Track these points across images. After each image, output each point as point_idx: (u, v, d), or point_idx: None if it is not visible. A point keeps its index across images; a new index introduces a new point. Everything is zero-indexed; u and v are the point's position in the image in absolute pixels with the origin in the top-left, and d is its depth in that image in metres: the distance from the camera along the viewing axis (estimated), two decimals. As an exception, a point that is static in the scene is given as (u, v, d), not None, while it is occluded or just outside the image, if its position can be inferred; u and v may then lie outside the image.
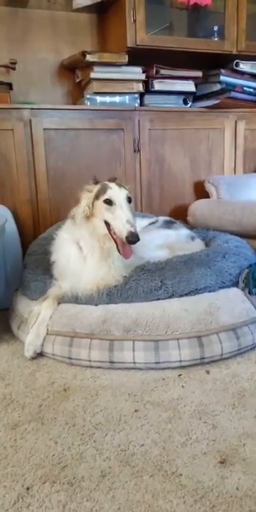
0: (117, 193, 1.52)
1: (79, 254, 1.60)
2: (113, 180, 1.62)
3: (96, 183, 1.59)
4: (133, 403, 1.22)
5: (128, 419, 1.14)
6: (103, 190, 1.53)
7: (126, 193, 1.53)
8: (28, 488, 0.92)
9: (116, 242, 1.50)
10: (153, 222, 2.01)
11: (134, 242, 1.44)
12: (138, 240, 1.44)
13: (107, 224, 1.51)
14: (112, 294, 1.54)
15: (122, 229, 1.44)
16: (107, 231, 1.52)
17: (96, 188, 1.56)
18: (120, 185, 1.56)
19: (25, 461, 1.00)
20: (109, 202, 1.50)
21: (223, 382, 1.31)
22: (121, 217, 1.46)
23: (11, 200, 2.14)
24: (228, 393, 1.25)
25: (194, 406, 1.19)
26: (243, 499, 0.86)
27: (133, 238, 1.43)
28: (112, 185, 1.54)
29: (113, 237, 1.50)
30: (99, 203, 1.52)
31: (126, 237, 1.43)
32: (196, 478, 0.92)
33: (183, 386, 1.30)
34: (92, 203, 1.54)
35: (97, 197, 1.53)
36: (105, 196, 1.50)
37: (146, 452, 1.01)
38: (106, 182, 1.57)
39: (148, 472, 0.95)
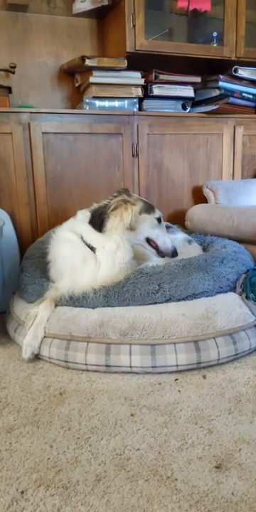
0: (161, 212, 1.70)
1: (81, 251, 1.59)
2: (127, 191, 1.69)
3: (119, 192, 1.63)
4: (129, 407, 1.22)
5: (124, 424, 1.14)
6: (150, 207, 1.67)
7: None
8: (22, 492, 0.91)
9: (155, 249, 1.68)
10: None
11: (176, 256, 1.69)
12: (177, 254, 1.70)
13: (147, 240, 1.67)
14: (109, 296, 1.54)
15: (169, 246, 1.66)
16: (142, 246, 1.69)
17: (139, 202, 1.64)
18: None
19: (20, 465, 1.00)
20: (159, 220, 1.67)
21: (220, 387, 1.31)
22: (167, 236, 1.69)
23: (9, 204, 2.14)
24: (224, 398, 1.25)
25: (190, 411, 1.19)
26: (238, 504, 0.86)
27: (176, 253, 1.68)
28: (151, 203, 1.71)
29: (151, 246, 1.68)
30: (150, 219, 1.65)
31: (172, 253, 1.67)
32: (192, 483, 0.92)
33: (179, 390, 1.30)
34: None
35: (146, 211, 1.64)
36: (157, 214, 1.66)
37: (142, 456, 1.01)
38: (138, 197, 1.71)
39: (143, 476, 0.94)
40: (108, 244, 1.58)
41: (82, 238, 1.61)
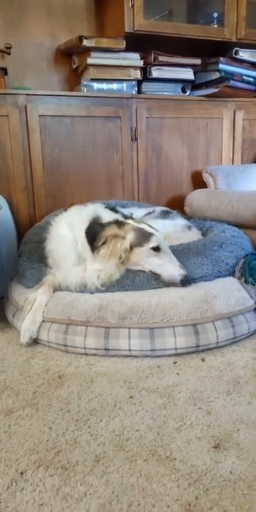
0: (161, 237, 1.51)
1: (74, 254, 1.57)
2: (131, 217, 1.60)
3: (119, 224, 1.52)
4: (128, 390, 1.22)
5: (123, 406, 1.14)
6: (144, 237, 1.50)
7: (162, 234, 1.54)
8: (21, 473, 0.91)
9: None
10: (149, 213, 2.00)
11: (189, 284, 1.50)
12: (191, 281, 1.50)
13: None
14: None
15: (176, 274, 1.49)
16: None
17: (130, 234, 1.50)
18: (152, 227, 1.54)
19: (19, 447, 1.00)
20: (157, 249, 1.50)
21: (218, 369, 1.31)
22: (174, 263, 1.51)
23: (7, 188, 2.12)
24: (223, 380, 1.25)
25: (189, 393, 1.19)
26: (236, 483, 0.86)
27: (187, 280, 1.49)
28: (150, 229, 1.52)
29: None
30: (144, 251, 1.50)
31: (181, 281, 1.48)
32: (190, 463, 0.92)
33: (178, 373, 1.30)
34: (130, 249, 1.49)
35: (137, 244, 1.49)
36: (152, 244, 1.49)
37: (141, 437, 1.01)
38: (136, 225, 1.52)
39: (142, 456, 0.95)
40: (96, 263, 1.51)
41: (77, 243, 1.57)
